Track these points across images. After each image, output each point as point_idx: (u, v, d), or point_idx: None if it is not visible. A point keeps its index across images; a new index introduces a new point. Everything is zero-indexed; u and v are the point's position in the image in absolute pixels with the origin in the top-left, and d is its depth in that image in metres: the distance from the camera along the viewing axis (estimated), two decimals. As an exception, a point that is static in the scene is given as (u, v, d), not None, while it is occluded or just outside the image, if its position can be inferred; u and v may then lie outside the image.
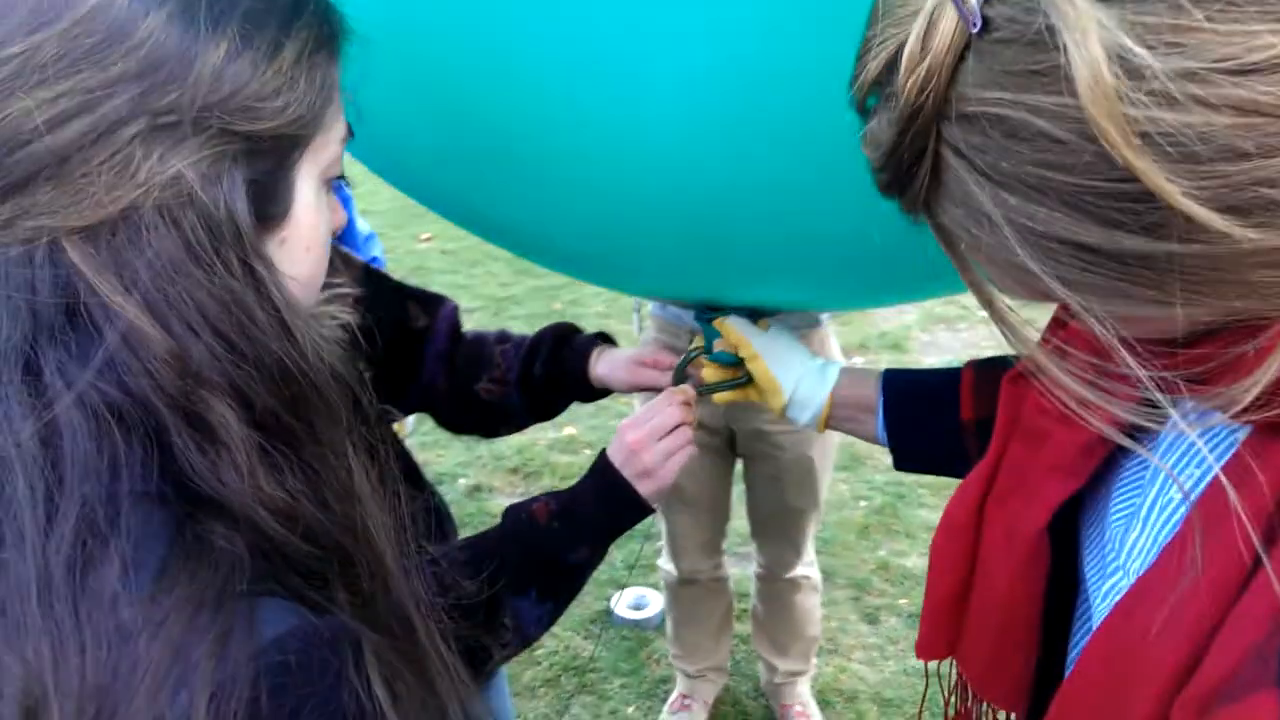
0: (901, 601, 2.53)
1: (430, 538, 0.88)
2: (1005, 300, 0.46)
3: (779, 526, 1.91)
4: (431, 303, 1.07)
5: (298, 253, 0.53)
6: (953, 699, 0.78)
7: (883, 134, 0.42)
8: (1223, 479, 0.45)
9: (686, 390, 0.95)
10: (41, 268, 0.44)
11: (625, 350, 1.08)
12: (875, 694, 2.24)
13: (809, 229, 0.76)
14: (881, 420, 0.92)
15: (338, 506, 0.49)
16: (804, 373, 0.96)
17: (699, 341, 1.04)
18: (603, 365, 1.06)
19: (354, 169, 0.78)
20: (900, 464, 0.94)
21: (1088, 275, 0.39)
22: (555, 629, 2.45)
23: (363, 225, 2.27)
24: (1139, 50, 0.32)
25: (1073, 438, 0.61)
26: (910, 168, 0.42)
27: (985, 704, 0.75)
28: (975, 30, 0.37)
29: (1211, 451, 0.52)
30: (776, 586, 2.00)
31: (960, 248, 0.44)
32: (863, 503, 2.94)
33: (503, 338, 1.10)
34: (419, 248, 5.77)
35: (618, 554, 2.68)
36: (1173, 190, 0.33)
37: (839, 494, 2.97)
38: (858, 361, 3.85)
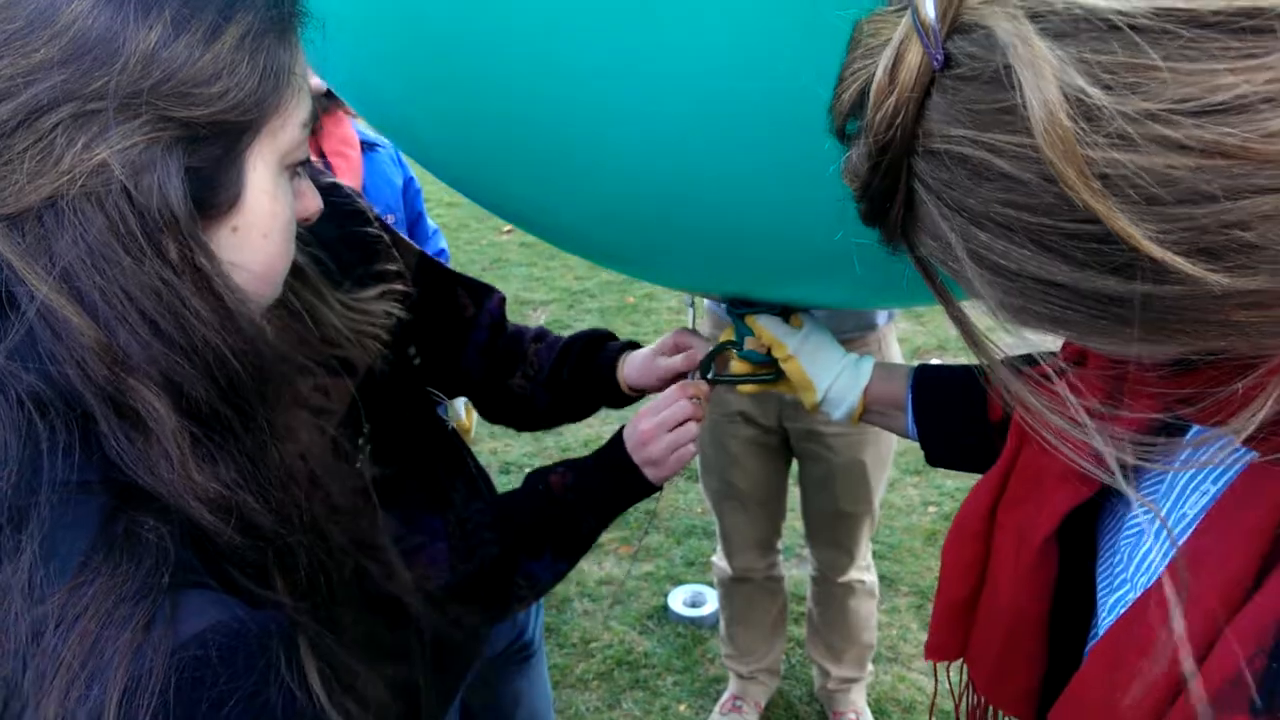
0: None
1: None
2: (989, 335, 0.45)
3: (830, 529, 1.89)
4: (480, 292, 1.10)
5: (253, 240, 0.53)
6: (963, 701, 0.78)
7: (859, 165, 0.42)
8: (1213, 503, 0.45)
9: (700, 385, 0.98)
10: None
11: (645, 349, 1.10)
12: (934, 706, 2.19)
13: (834, 226, 0.75)
14: (911, 417, 0.92)
15: (276, 495, 0.49)
16: (839, 370, 0.96)
17: (729, 334, 1.04)
18: (629, 369, 1.08)
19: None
20: (932, 460, 0.95)
21: (1065, 313, 0.38)
22: (610, 623, 2.47)
23: (430, 221, 2.33)
24: (1094, 91, 0.31)
25: (1086, 445, 0.59)
26: (885, 201, 0.42)
27: (993, 708, 0.75)
28: (939, 66, 0.36)
29: (1218, 474, 0.50)
30: (830, 590, 1.98)
31: (938, 281, 0.44)
32: (931, 508, 2.87)
33: (539, 336, 1.13)
34: (500, 240, 5.88)
35: (677, 550, 2.68)
36: (1136, 234, 0.32)
37: (908, 499, 2.91)
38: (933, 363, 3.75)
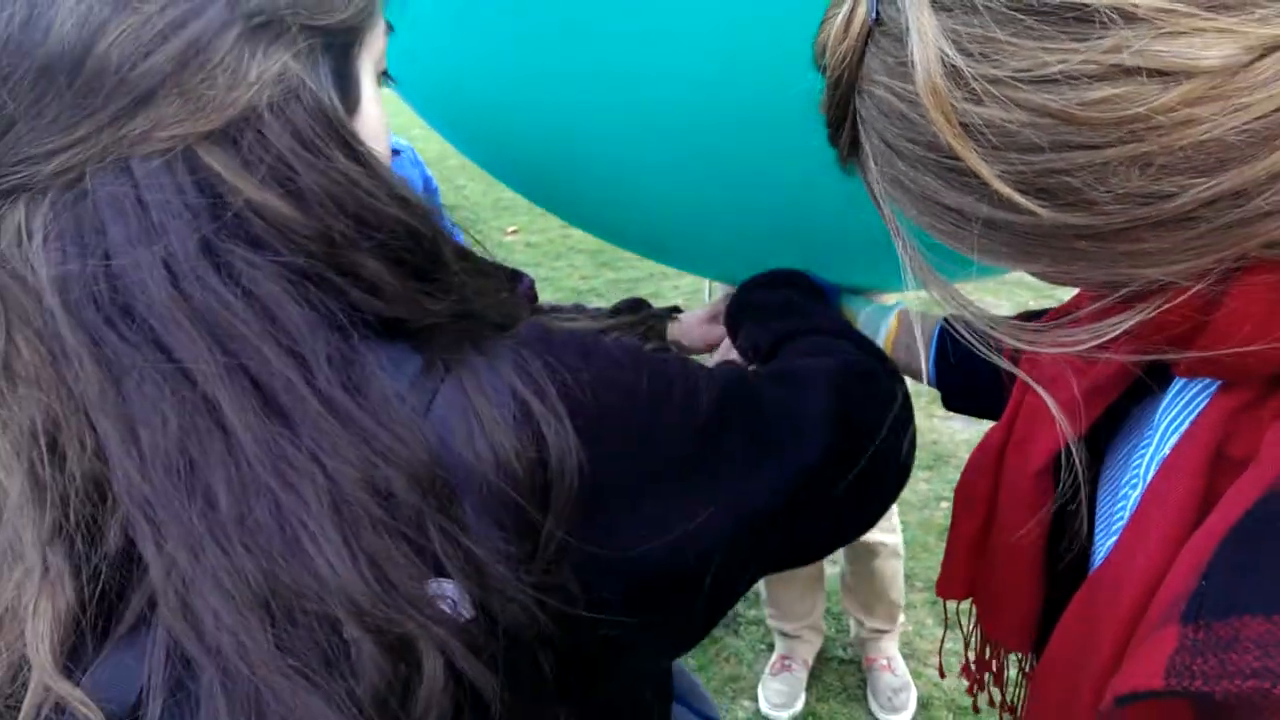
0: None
1: None
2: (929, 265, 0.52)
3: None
4: (511, 277, 1.12)
5: (369, 144, 0.56)
6: (972, 639, 0.82)
7: (824, 95, 0.51)
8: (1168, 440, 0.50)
9: None
10: (183, 175, 0.47)
11: (697, 310, 1.14)
12: (950, 701, 2.20)
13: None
14: (933, 359, 0.98)
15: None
16: (869, 310, 1.04)
17: None
18: (675, 329, 1.12)
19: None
20: (949, 403, 1.00)
21: (957, 230, 0.45)
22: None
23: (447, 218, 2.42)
24: (958, 56, 0.39)
25: (1079, 384, 0.65)
26: (838, 127, 0.51)
27: (1001, 648, 0.79)
28: (873, 21, 0.45)
29: (1190, 413, 0.55)
30: (857, 550, 2.09)
31: (879, 198, 0.52)
32: (944, 504, 2.87)
33: (578, 309, 1.14)
34: (505, 240, 5.90)
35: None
36: (985, 171, 0.40)
37: (920, 493, 2.91)
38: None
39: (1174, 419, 0.57)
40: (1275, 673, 0.38)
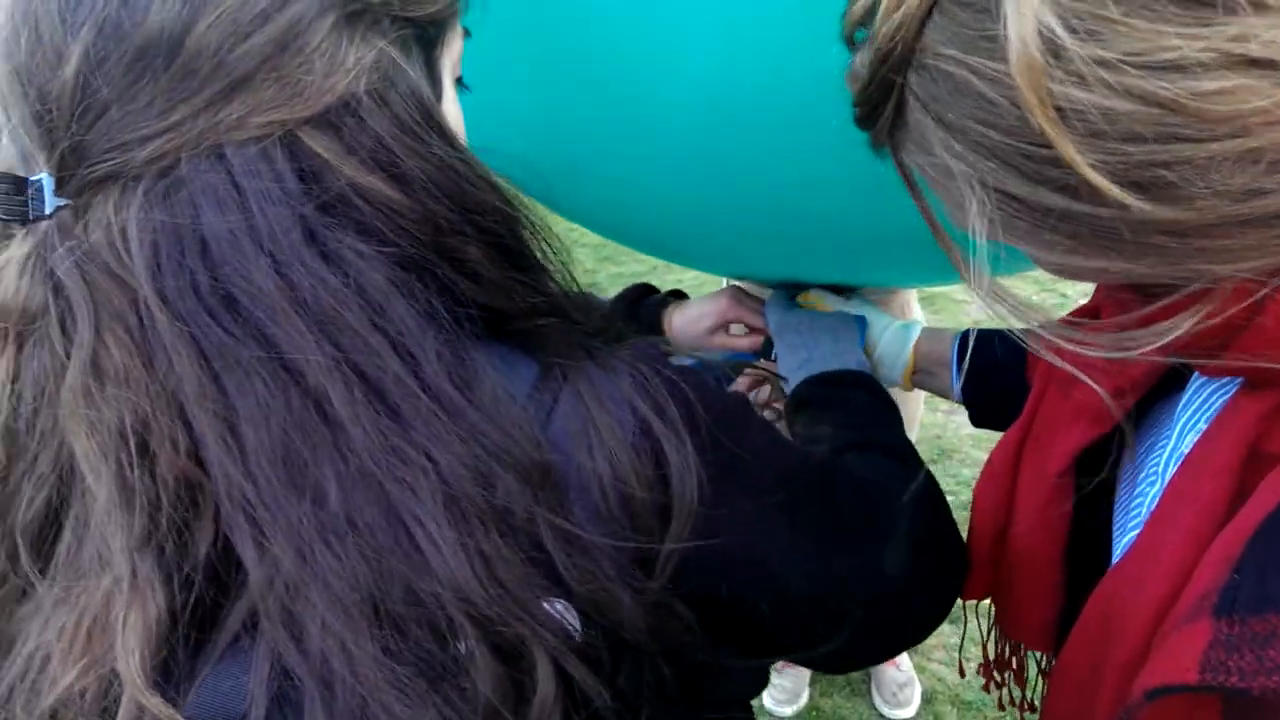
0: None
1: None
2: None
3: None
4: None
5: None
6: (989, 643, 0.82)
7: (861, 71, 0.47)
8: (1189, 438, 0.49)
9: (769, 366, 0.99)
10: (281, 161, 0.45)
11: (698, 308, 1.08)
12: (954, 696, 2.20)
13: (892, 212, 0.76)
14: (954, 374, 0.97)
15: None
16: (889, 333, 1.02)
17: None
18: (678, 319, 1.08)
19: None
20: (976, 420, 0.99)
21: (1015, 221, 0.43)
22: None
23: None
24: (1063, 33, 0.36)
25: (1105, 384, 0.64)
26: (879, 105, 0.47)
27: (1020, 645, 0.79)
28: None
29: (1209, 411, 0.55)
30: None
31: (917, 185, 0.49)
32: (949, 497, 2.85)
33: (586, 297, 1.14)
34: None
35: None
36: (1080, 161, 0.38)
37: (924, 488, 2.90)
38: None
39: (1191, 417, 0.57)
40: None
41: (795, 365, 0.92)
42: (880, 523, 0.62)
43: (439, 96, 0.54)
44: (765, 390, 0.99)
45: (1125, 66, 0.36)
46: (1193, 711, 0.43)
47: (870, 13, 0.46)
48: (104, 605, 0.42)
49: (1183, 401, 0.58)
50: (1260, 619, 0.40)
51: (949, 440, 3.12)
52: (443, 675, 0.41)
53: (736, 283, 1.26)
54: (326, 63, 0.46)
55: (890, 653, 0.71)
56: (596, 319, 0.56)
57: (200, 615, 0.43)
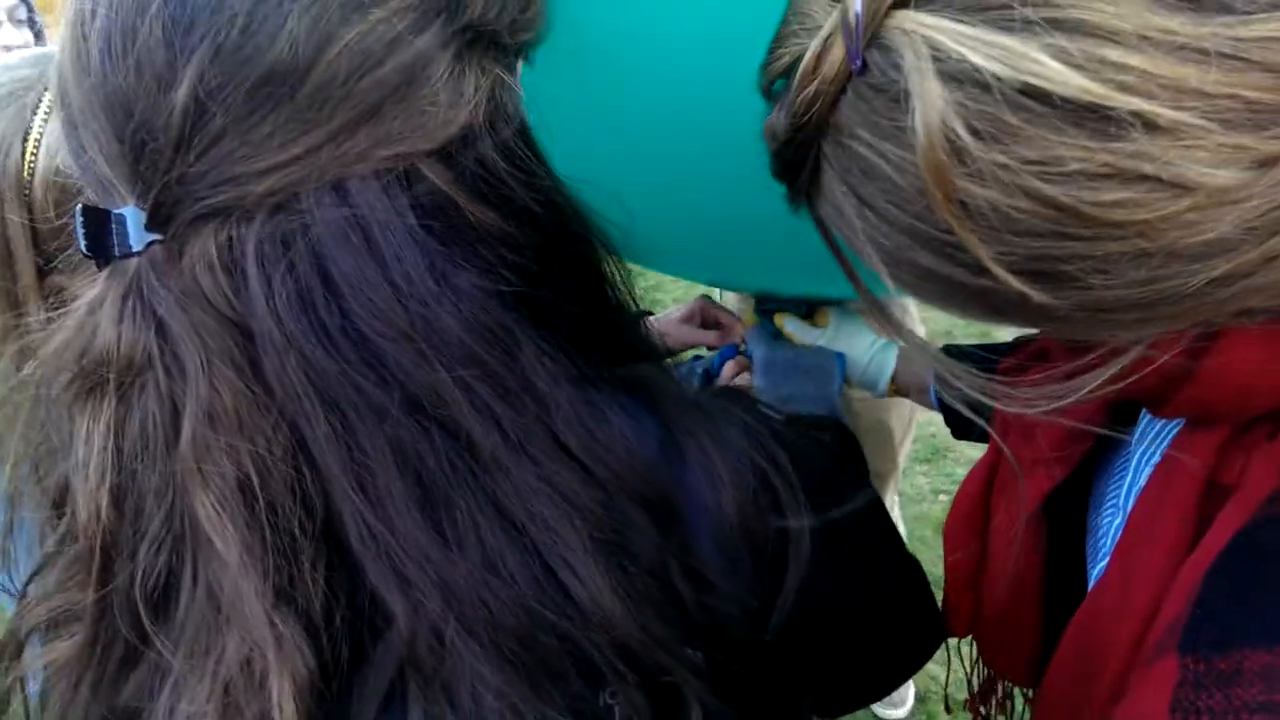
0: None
1: None
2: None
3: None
4: None
5: None
6: (974, 675, 0.84)
7: (777, 128, 0.47)
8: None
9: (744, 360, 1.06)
10: (403, 195, 0.43)
11: (673, 310, 1.14)
12: (947, 695, 2.19)
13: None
14: (932, 393, 0.99)
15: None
16: (872, 351, 1.04)
17: (749, 316, 1.11)
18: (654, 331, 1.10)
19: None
20: (957, 434, 1.01)
21: (924, 285, 0.44)
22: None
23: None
24: (966, 136, 0.37)
25: (1058, 428, 0.66)
26: (795, 167, 0.47)
27: (1003, 680, 0.81)
28: (856, 70, 0.41)
29: (1161, 445, 0.56)
30: None
31: (834, 238, 0.50)
32: (943, 497, 2.88)
33: None
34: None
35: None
36: (981, 251, 0.39)
37: (918, 487, 2.92)
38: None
39: (1147, 449, 0.58)
40: None
41: (775, 402, 0.97)
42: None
43: None
44: (746, 376, 1.04)
45: (1023, 170, 0.37)
46: None
47: (790, 71, 0.45)
48: (242, 669, 0.40)
49: (1137, 433, 0.59)
50: (1224, 657, 0.41)
51: (942, 440, 3.12)
52: None
53: (706, 291, 1.29)
54: (450, 93, 0.44)
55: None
56: (660, 343, 0.57)
57: (343, 670, 0.42)
